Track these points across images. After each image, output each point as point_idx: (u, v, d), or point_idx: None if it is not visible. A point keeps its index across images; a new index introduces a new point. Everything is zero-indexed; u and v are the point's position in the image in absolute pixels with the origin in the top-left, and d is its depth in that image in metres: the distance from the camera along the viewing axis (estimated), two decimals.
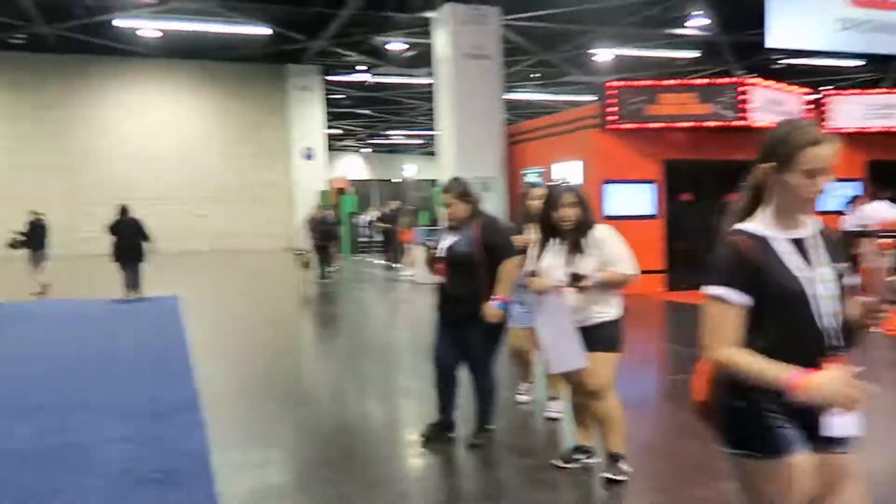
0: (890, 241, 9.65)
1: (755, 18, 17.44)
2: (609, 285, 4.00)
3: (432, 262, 4.87)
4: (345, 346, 9.59)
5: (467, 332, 4.71)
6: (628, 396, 4.47)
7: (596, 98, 12.93)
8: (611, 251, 4.00)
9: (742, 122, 12.25)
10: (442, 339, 4.87)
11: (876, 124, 13.81)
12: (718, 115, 12.20)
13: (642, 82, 12.51)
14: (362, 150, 44.67)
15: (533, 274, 4.22)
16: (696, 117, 12.23)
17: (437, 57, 15.03)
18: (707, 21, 20.23)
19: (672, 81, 12.58)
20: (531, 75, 27.13)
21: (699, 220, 13.24)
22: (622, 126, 12.32)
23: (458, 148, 14.58)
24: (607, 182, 12.51)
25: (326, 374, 7.93)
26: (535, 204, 4.91)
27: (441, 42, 14.85)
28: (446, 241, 4.74)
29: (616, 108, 12.24)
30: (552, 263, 4.09)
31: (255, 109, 27.33)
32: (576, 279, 3.94)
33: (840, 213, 11.81)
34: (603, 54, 23.40)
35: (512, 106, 30.20)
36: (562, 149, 13.61)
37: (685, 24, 20.85)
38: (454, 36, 14.37)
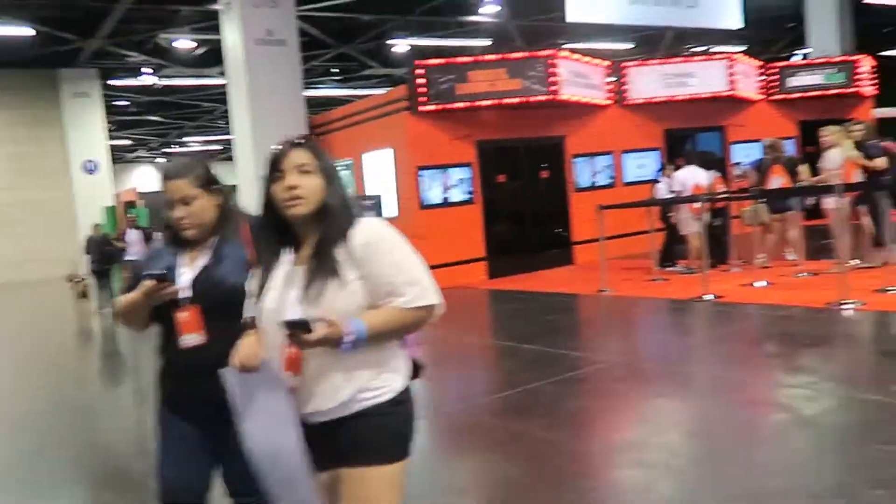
0: (700, 205, 9.38)
1: (544, 4, 17.32)
2: (390, 333, 2.05)
3: (163, 311, 2.50)
4: (129, 395, 7.82)
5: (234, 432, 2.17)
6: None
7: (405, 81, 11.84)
8: (388, 267, 2.03)
9: (552, 97, 11.65)
10: (181, 456, 2.52)
11: (671, 93, 13.78)
12: (529, 90, 11.51)
13: (451, 59, 11.51)
14: (157, 160, 41.03)
15: (247, 326, 2.18)
16: (507, 94, 11.46)
17: (226, 45, 13.31)
18: (498, 8, 19.85)
19: (481, 57, 11.68)
20: (331, 70, 25.79)
21: (515, 202, 12.59)
22: (433, 107, 11.30)
23: (255, 145, 12.95)
24: (422, 168, 11.48)
25: (112, 433, 6.26)
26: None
27: (230, 28, 13.15)
28: (186, 270, 2.54)
29: (426, 89, 11.21)
30: (280, 299, 2.07)
31: (27, 121, 23.82)
32: (299, 329, 1.92)
33: (654, 181, 11.52)
34: (400, 45, 22.54)
35: (315, 103, 28.70)
36: (371, 137, 12.41)
37: (479, 12, 20.37)
38: (244, 20, 12.73)
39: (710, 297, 8.44)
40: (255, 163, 13.08)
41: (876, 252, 9.30)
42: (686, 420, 4.79)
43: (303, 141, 2.15)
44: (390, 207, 11.67)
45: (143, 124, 30.65)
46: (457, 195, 11.77)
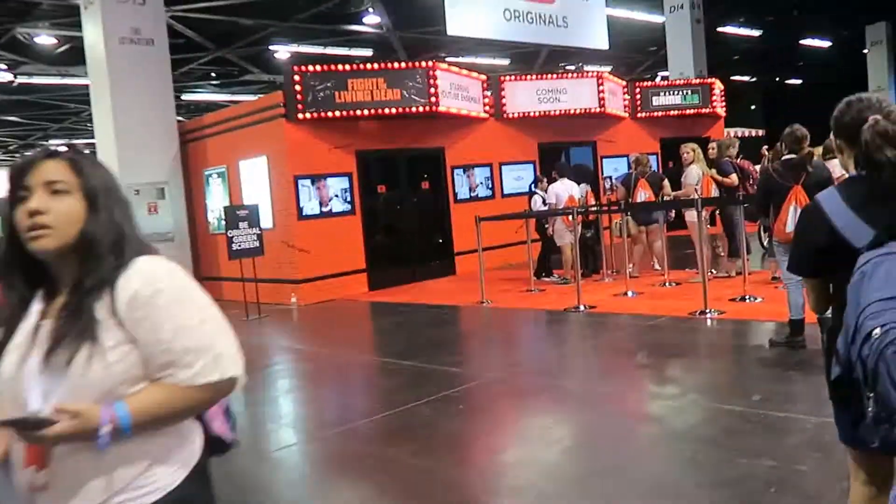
0: (573, 218, 9.50)
1: (427, 17, 17.27)
2: (167, 418, 1.54)
3: None
4: None
5: None
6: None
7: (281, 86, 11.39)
8: (168, 330, 1.51)
9: (432, 109, 11.52)
10: None
11: (546, 108, 13.99)
12: (409, 100, 11.33)
13: (329, 67, 11.15)
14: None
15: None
16: (387, 104, 11.22)
17: (88, 43, 12.39)
18: (379, 19, 19.63)
19: (361, 66, 11.40)
20: (211, 74, 24.73)
21: (396, 213, 12.38)
22: (311, 115, 10.92)
23: (119, 152, 12.05)
24: (299, 178, 11.06)
25: None
26: None
27: (92, 25, 12.23)
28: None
29: (302, 96, 10.81)
30: (18, 365, 1.51)
31: None
32: (28, 428, 1.42)
33: (530, 193, 11.60)
34: (282, 52, 21.89)
35: (194, 108, 27.48)
36: (246, 144, 11.82)
37: (362, 21, 20.06)
38: (107, 17, 11.85)
39: (584, 307, 8.54)
40: (119, 170, 12.21)
41: (731, 262, 9.71)
42: (563, 437, 4.71)
43: (61, 151, 1.56)
44: (265, 218, 11.18)
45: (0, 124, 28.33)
46: (336, 206, 11.43)
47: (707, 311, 7.55)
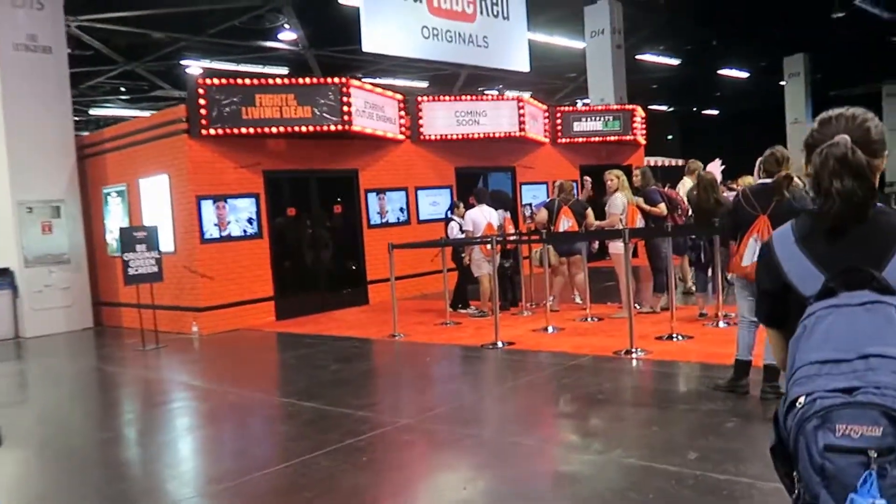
0: (493, 247, 8.86)
1: (344, 35, 16.63)
2: None
3: None
4: None
5: None
6: None
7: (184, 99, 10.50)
8: None
9: (344, 128, 10.83)
10: None
11: (464, 131, 13.49)
12: (321, 118, 10.61)
13: (235, 80, 10.34)
14: None
15: None
16: (298, 121, 10.48)
17: None
18: (295, 35, 18.87)
19: (270, 80, 10.62)
20: (121, 88, 23.38)
21: (306, 237, 11.61)
22: (216, 131, 10.07)
23: (11, 163, 11.05)
24: (202, 198, 10.18)
25: None
26: None
27: None
28: None
29: (207, 111, 9.96)
30: None
31: None
32: None
33: (447, 220, 11.01)
34: (194, 67, 20.82)
35: (102, 123, 25.98)
36: (147, 160, 10.88)
37: (277, 38, 19.24)
38: (2, 21, 10.90)
39: (501, 344, 7.96)
40: (10, 185, 11.09)
41: (655, 297, 9.33)
42: (475, 498, 4.06)
43: None
44: (166, 241, 10.24)
45: None
46: (242, 229, 10.57)
47: (633, 350, 7.08)
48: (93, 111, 24.38)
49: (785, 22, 21.30)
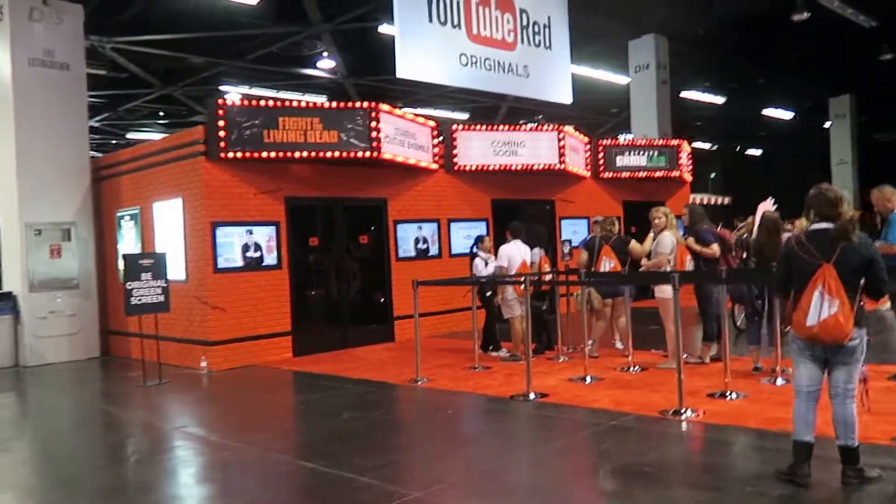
0: (526, 287, 7.88)
1: (381, 64, 16.05)
2: None
3: None
4: None
5: None
6: None
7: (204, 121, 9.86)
8: None
9: (374, 155, 10.07)
10: None
11: (501, 161, 12.66)
12: (348, 144, 9.88)
13: (257, 101, 9.67)
14: None
15: None
16: (323, 146, 9.75)
17: None
18: (333, 64, 18.37)
19: (296, 102, 9.92)
20: (159, 113, 23.16)
21: (329, 269, 10.83)
22: (235, 154, 9.37)
23: (20, 183, 10.50)
24: (218, 224, 9.46)
25: None
26: None
27: (0, 44, 10.71)
28: None
29: (226, 133, 9.28)
30: None
31: None
32: None
33: (473, 255, 10.09)
34: (232, 94, 20.43)
35: None
36: (161, 183, 10.24)
37: (316, 65, 18.76)
38: (15, 35, 10.38)
39: (533, 395, 7.01)
40: (19, 206, 10.56)
41: (705, 347, 8.33)
42: None
43: None
44: (178, 269, 9.53)
45: None
46: (259, 258, 9.82)
47: (682, 410, 6.09)
48: (130, 135, 24.18)
49: (832, 63, 20.54)
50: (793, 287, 4.24)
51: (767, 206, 9.30)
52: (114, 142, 25.05)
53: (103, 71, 16.40)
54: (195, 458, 5.92)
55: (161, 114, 23.31)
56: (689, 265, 8.12)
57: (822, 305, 4.03)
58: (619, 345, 9.37)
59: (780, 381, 7.11)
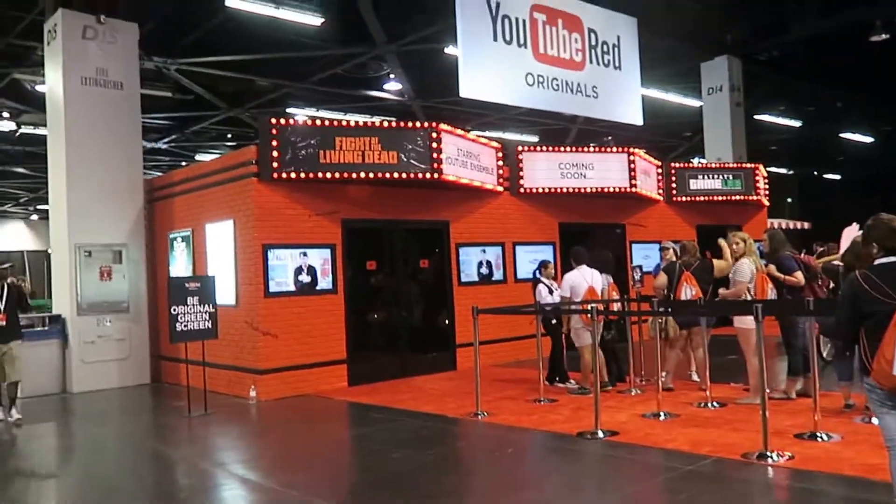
0: (594, 316, 7.30)
1: (448, 87, 15.78)
2: None
3: None
4: None
5: None
6: None
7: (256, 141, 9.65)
8: None
9: (435, 176, 9.73)
10: None
11: (568, 184, 12.16)
12: (408, 165, 9.56)
13: (314, 122, 9.44)
14: (32, 216, 36.58)
15: None
16: (382, 167, 9.45)
17: (48, 84, 10.94)
18: (400, 86, 18.24)
19: (353, 121, 9.68)
20: (228, 135, 23.48)
21: (387, 294, 10.47)
22: (288, 175, 9.13)
23: (70, 204, 10.37)
24: (270, 247, 9.22)
25: None
26: None
27: (52, 62, 10.74)
28: None
29: (279, 153, 9.07)
30: None
31: None
32: None
33: (535, 281, 9.59)
34: (299, 116, 20.54)
35: None
36: (213, 205, 10.02)
37: (382, 87, 18.68)
38: (70, 53, 10.34)
39: (602, 433, 6.46)
40: (68, 227, 10.49)
41: (791, 381, 7.63)
42: None
43: None
44: (227, 293, 9.28)
45: (7, 175, 27.00)
46: (314, 282, 9.54)
47: (768, 453, 5.46)
48: (199, 156, 24.55)
49: None
50: (863, 331, 3.63)
51: (854, 231, 8.49)
52: (183, 163, 25.51)
53: (168, 93, 16.59)
54: (227, 502, 5.55)
55: (229, 136, 23.61)
56: (770, 293, 7.47)
57: None
58: (695, 377, 8.71)
59: (874, 421, 6.37)
